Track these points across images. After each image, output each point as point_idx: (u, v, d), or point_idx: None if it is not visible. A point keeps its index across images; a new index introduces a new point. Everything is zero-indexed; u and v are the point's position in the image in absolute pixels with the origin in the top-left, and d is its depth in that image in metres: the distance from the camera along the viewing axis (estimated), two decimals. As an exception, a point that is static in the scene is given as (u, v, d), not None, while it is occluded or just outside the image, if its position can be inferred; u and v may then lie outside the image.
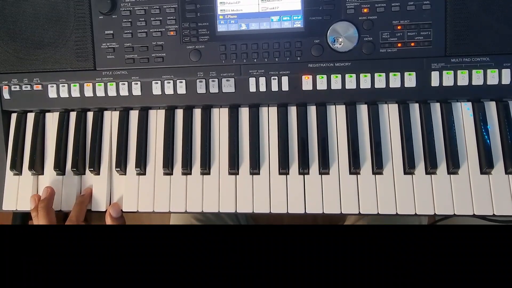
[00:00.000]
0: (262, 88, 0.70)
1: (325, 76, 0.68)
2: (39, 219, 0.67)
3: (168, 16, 0.70)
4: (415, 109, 0.69)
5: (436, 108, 0.68)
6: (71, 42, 0.72)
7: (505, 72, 0.66)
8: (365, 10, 0.67)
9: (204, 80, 0.71)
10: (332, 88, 0.69)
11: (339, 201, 0.67)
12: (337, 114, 0.70)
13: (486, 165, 0.65)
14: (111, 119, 0.74)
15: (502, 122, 0.67)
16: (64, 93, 0.73)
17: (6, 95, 0.74)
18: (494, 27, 0.65)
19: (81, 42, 0.72)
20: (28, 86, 0.74)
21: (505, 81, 0.66)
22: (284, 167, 0.68)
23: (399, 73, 0.67)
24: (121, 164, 0.71)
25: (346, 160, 0.68)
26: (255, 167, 0.69)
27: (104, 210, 0.71)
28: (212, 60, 0.70)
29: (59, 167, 0.72)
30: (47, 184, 0.73)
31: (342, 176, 0.68)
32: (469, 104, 0.68)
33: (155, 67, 0.71)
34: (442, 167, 0.66)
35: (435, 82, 0.67)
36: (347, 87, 0.68)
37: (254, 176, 0.69)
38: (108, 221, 0.70)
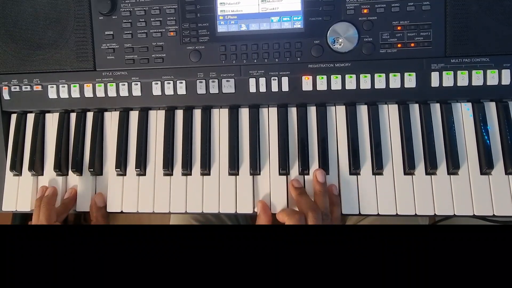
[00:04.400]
0: (262, 88, 0.70)
1: (325, 77, 0.69)
2: (39, 215, 0.67)
3: (168, 16, 0.70)
4: (415, 110, 0.69)
5: (436, 109, 0.69)
6: (71, 43, 0.72)
7: (505, 72, 0.66)
8: (365, 11, 0.68)
9: (204, 81, 0.71)
10: (332, 88, 0.69)
11: (339, 201, 0.67)
12: (337, 115, 0.70)
13: (486, 165, 0.65)
14: (111, 119, 0.74)
15: (502, 122, 0.67)
16: (64, 94, 0.73)
17: (6, 96, 0.74)
18: (493, 27, 0.65)
19: (81, 42, 0.72)
20: (28, 86, 0.74)
21: (505, 81, 0.66)
22: (284, 168, 0.68)
23: (399, 73, 0.67)
24: (121, 165, 0.71)
25: (346, 160, 0.68)
26: (255, 168, 0.69)
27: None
28: (212, 61, 0.70)
29: (59, 168, 0.72)
30: (47, 184, 0.73)
31: (342, 176, 0.68)
32: (469, 104, 0.68)
33: (155, 67, 0.71)
34: (442, 167, 0.66)
35: (435, 82, 0.67)
36: (347, 87, 0.68)
37: (254, 176, 0.69)
38: (92, 210, 0.70)
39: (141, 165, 0.71)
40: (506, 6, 0.65)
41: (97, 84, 0.72)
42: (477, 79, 0.66)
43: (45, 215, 0.67)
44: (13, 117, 0.76)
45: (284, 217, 0.64)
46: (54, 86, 0.73)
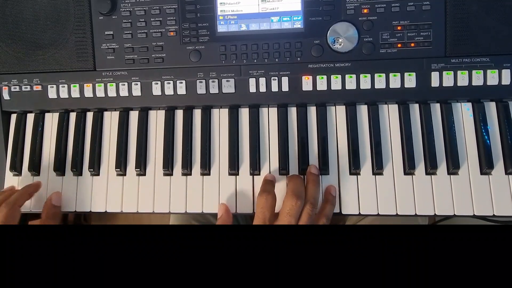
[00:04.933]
0: (262, 88, 0.70)
1: (325, 77, 0.68)
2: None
3: (168, 16, 0.70)
4: (415, 110, 0.69)
5: (436, 109, 0.69)
6: (71, 43, 0.72)
7: (505, 72, 0.66)
8: (365, 11, 0.67)
9: (204, 81, 0.71)
10: (332, 88, 0.69)
11: (339, 201, 0.67)
12: (337, 115, 0.70)
13: (486, 165, 0.65)
14: (111, 119, 0.74)
15: (502, 122, 0.67)
16: (64, 94, 0.73)
17: (6, 96, 0.74)
18: (494, 27, 0.65)
19: (81, 42, 0.72)
20: (28, 86, 0.74)
21: (505, 81, 0.66)
22: (284, 168, 0.68)
23: (399, 73, 0.67)
24: (121, 165, 0.71)
25: (346, 160, 0.68)
26: (255, 168, 0.69)
27: (103, 211, 0.71)
28: (212, 61, 0.70)
29: (59, 168, 0.72)
30: (46, 184, 0.73)
31: (342, 176, 0.68)
32: (469, 104, 0.68)
33: (155, 67, 0.71)
34: (442, 167, 0.66)
35: (435, 82, 0.67)
36: (347, 87, 0.68)
37: (254, 176, 0.69)
38: (47, 207, 0.69)
39: (141, 165, 0.71)
40: (506, 6, 0.65)
41: (97, 84, 0.72)
42: (477, 79, 0.66)
43: (5, 216, 0.65)
44: (13, 117, 0.76)
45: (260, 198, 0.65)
46: (54, 86, 0.73)
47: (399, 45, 0.67)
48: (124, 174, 0.72)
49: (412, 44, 0.67)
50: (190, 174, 0.70)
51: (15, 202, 0.67)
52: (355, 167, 0.67)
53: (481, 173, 0.66)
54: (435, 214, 0.65)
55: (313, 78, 0.69)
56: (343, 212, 0.67)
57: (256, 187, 0.69)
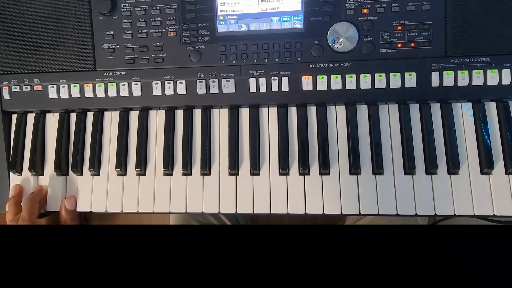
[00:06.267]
0: (262, 88, 0.70)
1: (325, 77, 0.68)
2: (23, 212, 0.68)
3: (168, 16, 0.70)
4: (415, 110, 0.69)
5: (436, 109, 0.69)
6: (71, 43, 0.72)
7: (505, 72, 0.66)
8: (365, 11, 0.67)
9: (204, 81, 0.71)
10: (332, 88, 0.69)
11: (339, 201, 0.67)
12: (337, 115, 0.70)
13: (486, 165, 0.65)
14: (111, 119, 0.74)
15: (502, 122, 0.67)
16: (64, 94, 0.73)
17: (6, 96, 0.74)
18: (494, 27, 0.65)
19: (81, 42, 0.72)
20: (29, 86, 0.74)
21: (505, 81, 0.66)
22: (284, 168, 0.68)
23: (399, 73, 0.67)
24: (121, 165, 0.71)
25: (346, 160, 0.68)
26: (255, 168, 0.69)
27: (103, 211, 0.71)
28: (212, 61, 0.70)
29: (60, 167, 0.72)
30: (47, 184, 0.73)
31: (342, 176, 0.68)
32: (469, 104, 0.68)
33: (155, 67, 0.71)
34: (442, 167, 0.66)
35: (435, 82, 0.67)
36: (347, 87, 0.68)
37: (254, 176, 0.69)
38: (62, 214, 0.70)
39: (141, 165, 0.71)
40: (506, 6, 0.65)
41: (97, 84, 0.72)
42: (477, 79, 0.66)
43: (29, 212, 0.67)
44: (14, 117, 0.76)
45: None
46: (55, 86, 0.73)
47: (399, 45, 0.67)
48: (124, 174, 0.72)
49: (412, 44, 0.67)
50: (190, 174, 0.70)
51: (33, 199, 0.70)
52: (355, 167, 0.67)
53: (481, 173, 0.66)
54: (435, 214, 0.65)
55: (313, 78, 0.69)
56: (343, 212, 0.67)
57: (256, 187, 0.69)
